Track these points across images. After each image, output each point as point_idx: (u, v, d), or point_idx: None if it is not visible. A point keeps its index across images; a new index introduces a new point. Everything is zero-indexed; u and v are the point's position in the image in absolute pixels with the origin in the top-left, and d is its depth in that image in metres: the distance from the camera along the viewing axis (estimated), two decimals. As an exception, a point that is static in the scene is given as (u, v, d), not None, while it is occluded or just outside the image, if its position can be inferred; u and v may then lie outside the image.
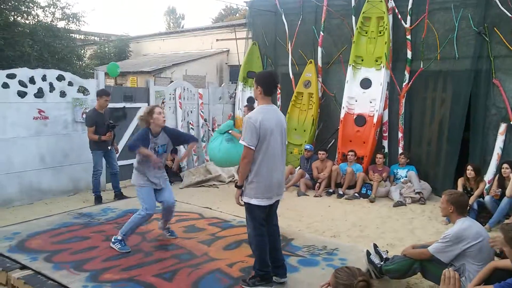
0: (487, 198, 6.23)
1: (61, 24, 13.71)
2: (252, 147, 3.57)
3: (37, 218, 5.75)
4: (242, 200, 3.76)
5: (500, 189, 6.13)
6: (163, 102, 9.02)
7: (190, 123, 9.64)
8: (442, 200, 3.76)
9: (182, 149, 9.22)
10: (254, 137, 3.56)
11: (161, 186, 4.83)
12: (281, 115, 3.84)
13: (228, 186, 8.60)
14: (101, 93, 6.95)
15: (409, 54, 8.31)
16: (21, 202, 6.78)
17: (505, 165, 6.16)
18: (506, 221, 5.71)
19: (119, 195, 7.15)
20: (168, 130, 4.90)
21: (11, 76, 6.70)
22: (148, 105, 8.70)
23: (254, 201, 3.68)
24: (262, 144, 3.60)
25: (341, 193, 7.82)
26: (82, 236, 5.05)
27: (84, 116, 7.56)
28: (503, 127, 7.17)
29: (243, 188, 3.73)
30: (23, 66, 8.26)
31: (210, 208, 6.55)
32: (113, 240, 4.68)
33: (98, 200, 6.94)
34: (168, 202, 4.86)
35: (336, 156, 8.76)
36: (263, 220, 3.77)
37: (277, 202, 3.93)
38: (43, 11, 13.24)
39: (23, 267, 4.14)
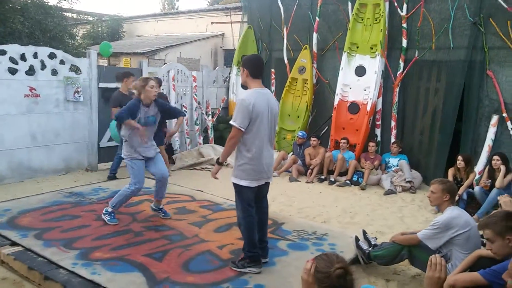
0: (476, 188, 6.30)
1: (53, 2, 13.51)
2: (242, 129, 3.61)
3: (28, 196, 5.73)
4: (218, 176, 3.92)
5: (490, 180, 6.18)
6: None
7: (183, 105, 9.57)
8: (435, 189, 3.73)
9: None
10: (246, 119, 3.60)
11: (152, 155, 4.90)
12: (273, 99, 3.88)
13: (221, 169, 8.57)
14: (127, 75, 7.04)
15: (404, 43, 8.29)
16: (12, 180, 6.73)
17: (495, 157, 6.22)
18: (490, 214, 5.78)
19: (112, 177, 7.16)
20: (159, 103, 4.94)
21: (2, 53, 6.58)
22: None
23: (244, 183, 3.73)
24: (254, 127, 3.64)
25: (333, 180, 7.86)
26: (72, 214, 5.05)
27: (76, 95, 7.50)
28: (495, 118, 7.22)
29: (233, 169, 3.81)
30: (13, 43, 8.11)
31: (202, 191, 6.55)
32: (104, 211, 4.84)
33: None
34: (162, 173, 4.92)
35: (329, 143, 8.79)
36: (251, 201, 3.83)
37: (267, 185, 3.99)
38: (34, -13, 12.98)
39: (13, 243, 4.14)
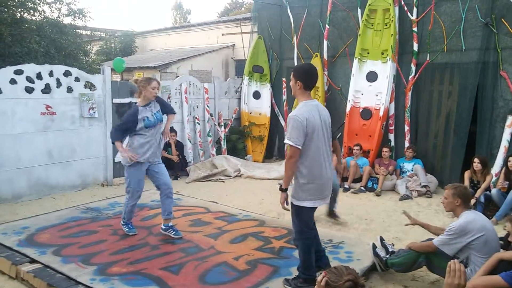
0: (493, 191, 6.19)
1: (67, 20, 13.78)
2: (299, 147, 3.43)
3: (46, 213, 5.84)
4: (287, 205, 3.61)
5: (507, 182, 6.09)
6: (169, 97, 9.05)
7: (196, 117, 9.66)
8: (447, 194, 3.73)
9: (188, 143, 9.28)
10: (301, 136, 3.42)
11: (155, 161, 4.89)
12: (324, 110, 3.71)
13: (234, 180, 8.64)
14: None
15: (415, 47, 8.25)
16: (30, 197, 6.84)
17: (511, 158, 6.12)
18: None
19: (332, 212, 5.98)
20: (158, 98, 4.97)
21: (19, 72, 6.75)
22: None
23: (307, 204, 3.55)
24: (311, 143, 3.48)
25: (347, 187, 7.82)
26: (90, 230, 5.13)
27: (91, 111, 7.62)
28: (510, 119, 7.10)
29: (291, 191, 3.59)
30: (30, 62, 8.30)
31: (216, 202, 6.59)
32: (122, 222, 5.06)
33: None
34: (166, 185, 4.91)
35: (342, 150, 8.74)
36: (311, 222, 3.70)
37: None
38: (49, 7, 13.31)
39: (32, 261, 4.21)
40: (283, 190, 3.59)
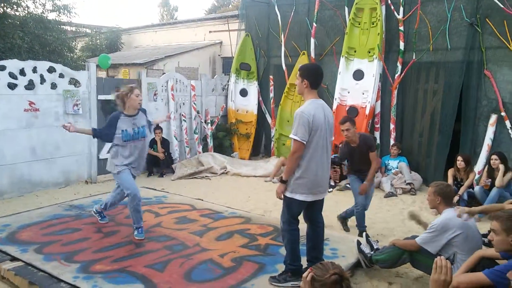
0: (476, 188, 6.28)
1: (51, 16, 13.58)
2: (304, 142, 3.54)
3: (28, 210, 5.74)
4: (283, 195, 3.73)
5: (490, 180, 6.18)
6: (155, 94, 8.98)
7: (182, 115, 9.60)
8: (429, 192, 3.82)
9: (174, 140, 9.22)
10: (307, 131, 3.53)
11: (136, 171, 4.87)
12: (328, 110, 3.79)
13: (220, 177, 8.61)
14: (340, 121, 5.39)
15: (401, 46, 8.31)
16: (12, 195, 6.74)
17: (494, 156, 6.22)
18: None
19: (344, 220, 5.72)
20: (145, 113, 4.88)
21: (1, 68, 6.62)
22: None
23: (299, 197, 3.65)
24: (312, 140, 3.58)
25: (333, 184, 7.85)
26: (73, 227, 5.05)
27: (75, 108, 7.52)
28: (493, 118, 7.22)
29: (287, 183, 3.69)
30: (13, 58, 8.15)
31: (202, 200, 6.56)
32: (95, 210, 5.22)
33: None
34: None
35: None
36: (298, 215, 3.78)
37: (322, 200, 3.90)
38: (33, 2, 13.11)
39: (14, 258, 4.14)
40: (283, 181, 3.69)
